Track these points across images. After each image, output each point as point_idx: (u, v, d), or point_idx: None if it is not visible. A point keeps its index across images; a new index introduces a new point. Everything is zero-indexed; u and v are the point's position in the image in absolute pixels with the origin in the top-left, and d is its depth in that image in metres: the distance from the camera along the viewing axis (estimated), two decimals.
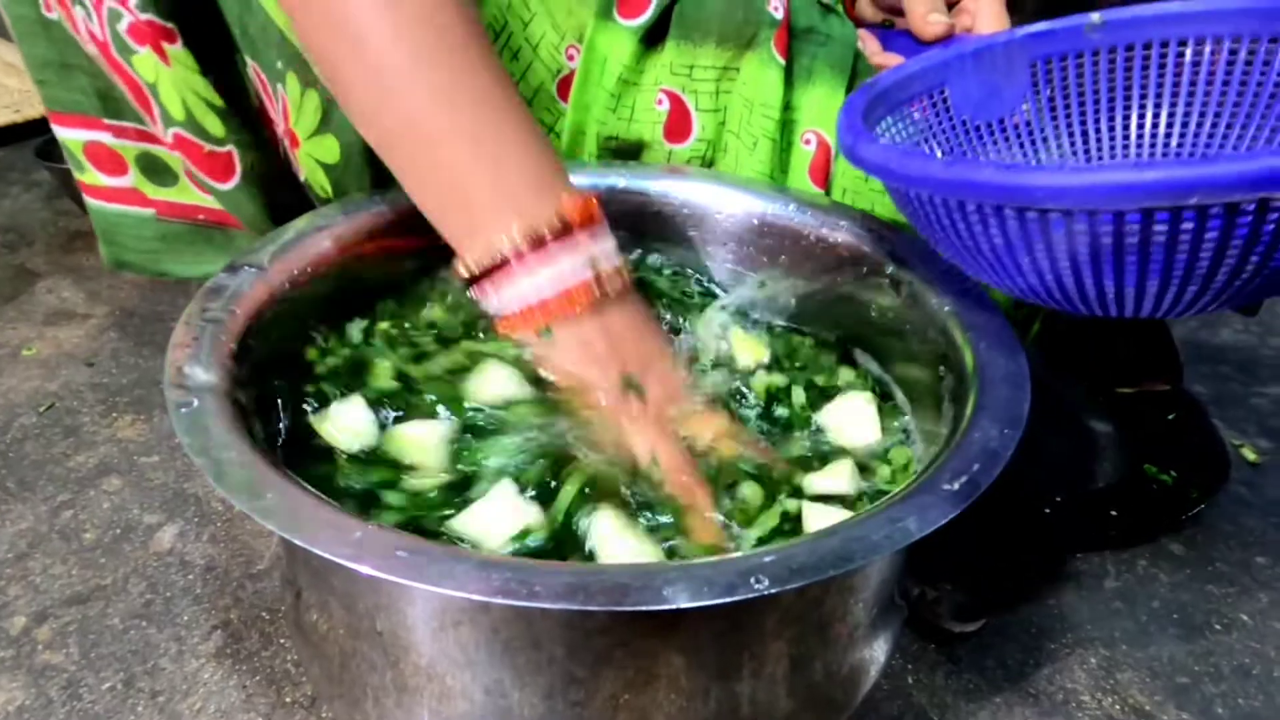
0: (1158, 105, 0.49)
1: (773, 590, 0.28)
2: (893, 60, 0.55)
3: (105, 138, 0.59)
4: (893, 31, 0.60)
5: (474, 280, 0.43)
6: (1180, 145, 0.49)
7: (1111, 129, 0.50)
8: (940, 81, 0.51)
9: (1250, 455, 0.68)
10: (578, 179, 0.55)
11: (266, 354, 0.41)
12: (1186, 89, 0.47)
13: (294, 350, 0.45)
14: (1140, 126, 0.50)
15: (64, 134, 0.60)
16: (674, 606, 0.28)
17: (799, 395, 0.48)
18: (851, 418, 0.46)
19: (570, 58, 0.56)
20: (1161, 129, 0.49)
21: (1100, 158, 0.51)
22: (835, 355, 0.52)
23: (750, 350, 0.51)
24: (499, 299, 0.43)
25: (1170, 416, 0.68)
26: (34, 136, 1.16)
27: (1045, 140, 0.51)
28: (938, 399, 0.45)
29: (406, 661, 0.35)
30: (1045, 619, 0.53)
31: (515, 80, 0.56)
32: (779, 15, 0.55)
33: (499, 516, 0.37)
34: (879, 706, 0.48)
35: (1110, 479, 0.65)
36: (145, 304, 0.82)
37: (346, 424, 0.41)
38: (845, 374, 0.50)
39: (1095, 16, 0.49)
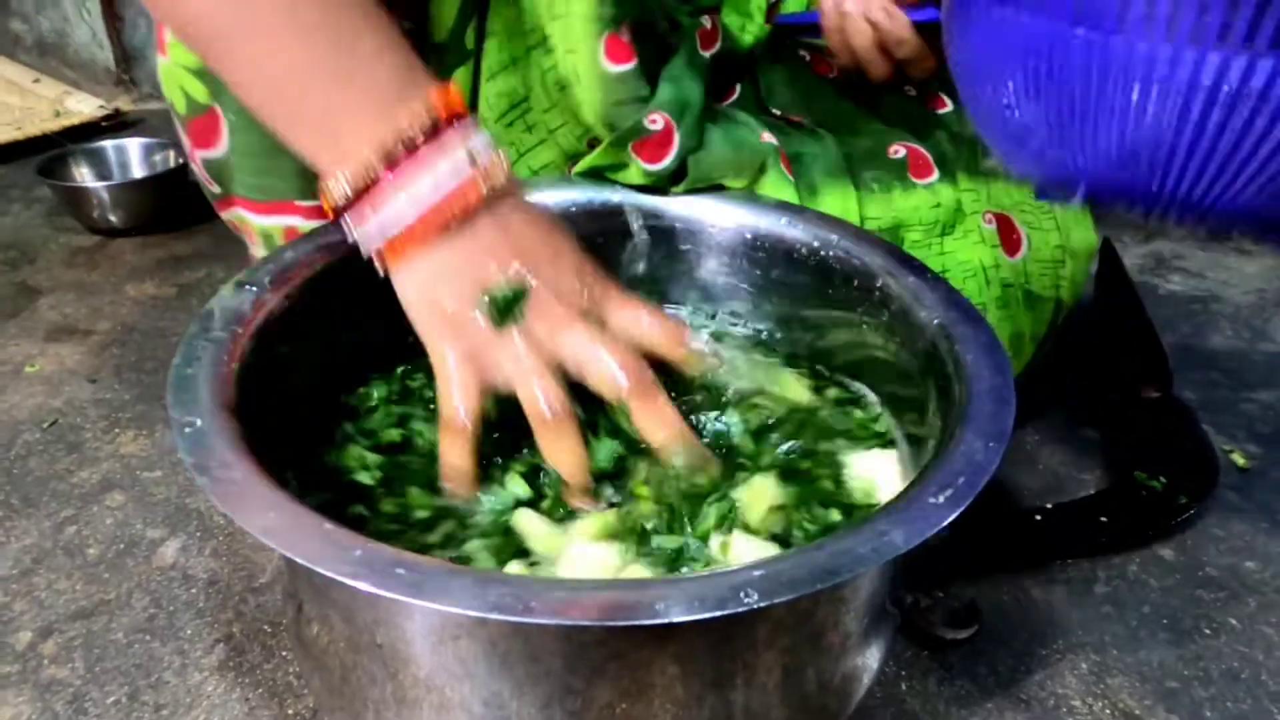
0: None
1: (762, 604, 0.28)
2: None
3: (297, 221, 0.59)
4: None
5: (346, 208, 0.40)
6: None
7: None
8: None
9: (1240, 460, 0.69)
10: (563, 195, 0.56)
11: (269, 374, 0.42)
12: None
13: (296, 371, 0.46)
14: None
15: (260, 221, 0.59)
16: (667, 620, 0.29)
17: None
18: (879, 473, 0.46)
19: (590, 146, 0.57)
20: None
21: None
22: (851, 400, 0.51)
23: (793, 390, 0.51)
24: (379, 223, 0.40)
25: (1160, 423, 0.69)
26: (34, 154, 1.17)
27: None
28: (925, 410, 0.46)
29: (406, 674, 0.36)
30: (1036, 625, 0.54)
31: (521, 154, 0.58)
32: (775, 143, 0.58)
33: None
34: (873, 714, 0.49)
35: (1101, 485, 0.66)
36: (146, 320, 0.82)
37: None
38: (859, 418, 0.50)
39: None
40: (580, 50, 0.54)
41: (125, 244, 0.96)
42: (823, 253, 0.53)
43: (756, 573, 0.30)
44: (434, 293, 0.41)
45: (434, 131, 0.39)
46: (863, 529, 0.32)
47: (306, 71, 0.40)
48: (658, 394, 0.41)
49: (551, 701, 0.35)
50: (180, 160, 1.02)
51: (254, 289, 0.45)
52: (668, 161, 0.55)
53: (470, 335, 0.41)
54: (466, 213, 0.40)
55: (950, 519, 0.32)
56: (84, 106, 1.27)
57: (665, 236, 0.57)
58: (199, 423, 0.35)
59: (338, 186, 0.40)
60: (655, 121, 0.55)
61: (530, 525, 0.40)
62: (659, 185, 0.56)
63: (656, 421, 0.41)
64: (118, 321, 0.82)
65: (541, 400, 0.40)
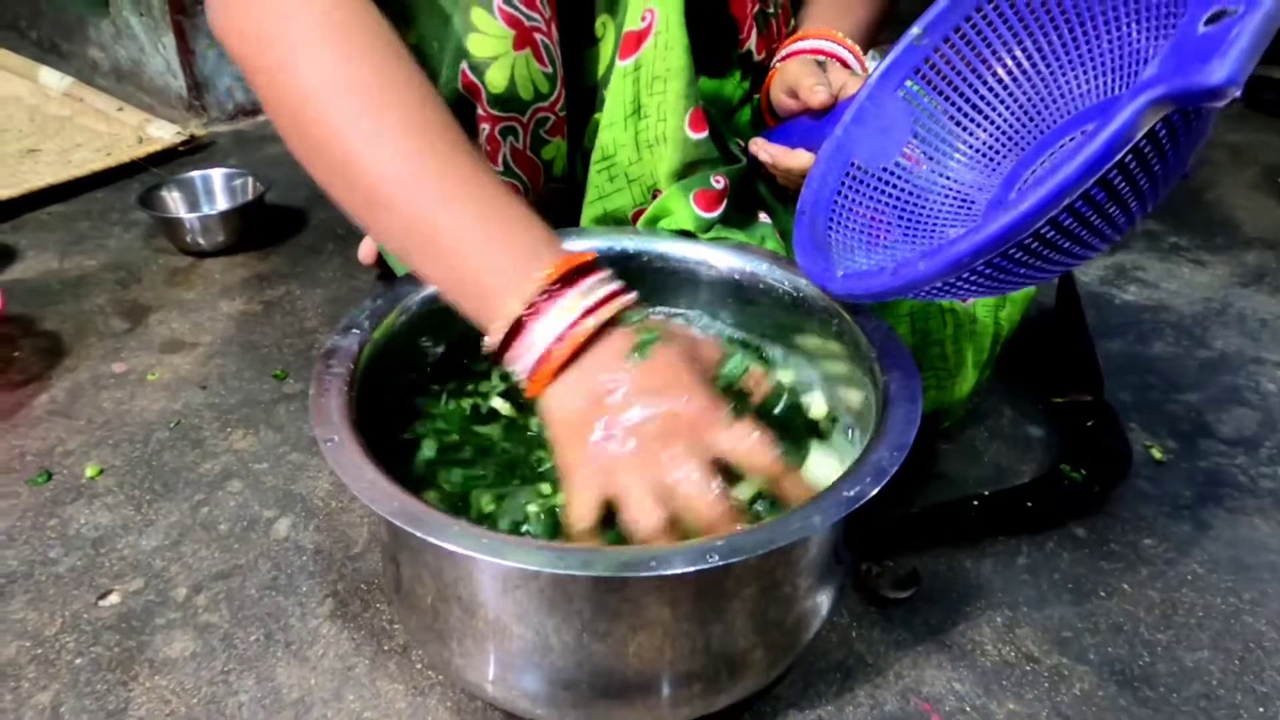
0: (1011, 53, 0.58)
1: (721, 563, 0.43)
2: (796, 158, 0.69)
3: None
4: (792, 121, 0.74)
5: (501, 353, 0.51)
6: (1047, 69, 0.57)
7: (991, 89, 0.60)
8: (846, 160, 0.63)
9: (1157, 454, 0.82)
10: (589, 244, 0.71)
11: (376, 397, 0.57)
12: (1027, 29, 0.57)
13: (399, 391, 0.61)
14: (1010, 74, 0.59)
15: None
16: (658, 574, 0.43)
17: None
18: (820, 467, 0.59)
19: (654, 196, 0.72)
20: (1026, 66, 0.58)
21: (999, 113, 0.60)
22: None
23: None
24: (519, 364, 0.51)
25: (1089, 423, 0.82)
26: (122, 178, 1.33)
27: (953, 131, 0.62)
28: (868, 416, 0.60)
29: (479, 615, 0.51)
30: (964, 588, 0.68)
31: (602, 196, 0.73)
32: (770, 222, 0.74)
33: None
34: (828, 654, 0.63)
35: (1031, 475, 0.79)
36: (241, 333, 0.98)
37: None
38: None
39: (915, 29, 0.61)
40: (670, 119, 0.70)
41: (214, 265, 1.12)
42: (796, 291, 0.67)
43: (719, 542, 0.44)
44: (565, 414, 0.50)
45: (557, 289, 0.49)
46: (796, 514, 0.46)
47: (468, 263, 0.51)
48: (734, 523, 0.48)
49: (582, 634, 0.49)
50: (259, 189, 1.18)
51: (358, 331, 0.60)
52: (717, 214, 0.71)
53: (597, 457, 0.49)
54: (582, 346, 0.49)
55: (855, 508, 0.46)
56: (164, 133, 1.43)
57: (670, 275, 0.72)
58: (336, 438, 0.50)
59: (499, 334, 0.50)
60: (719, 181, 0.71)
61: None
62: (697, 231, 0.70)
63: None
64: (216, 335, 0.98)
65: (641, 524, 0.48)
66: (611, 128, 0.71)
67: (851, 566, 0.66)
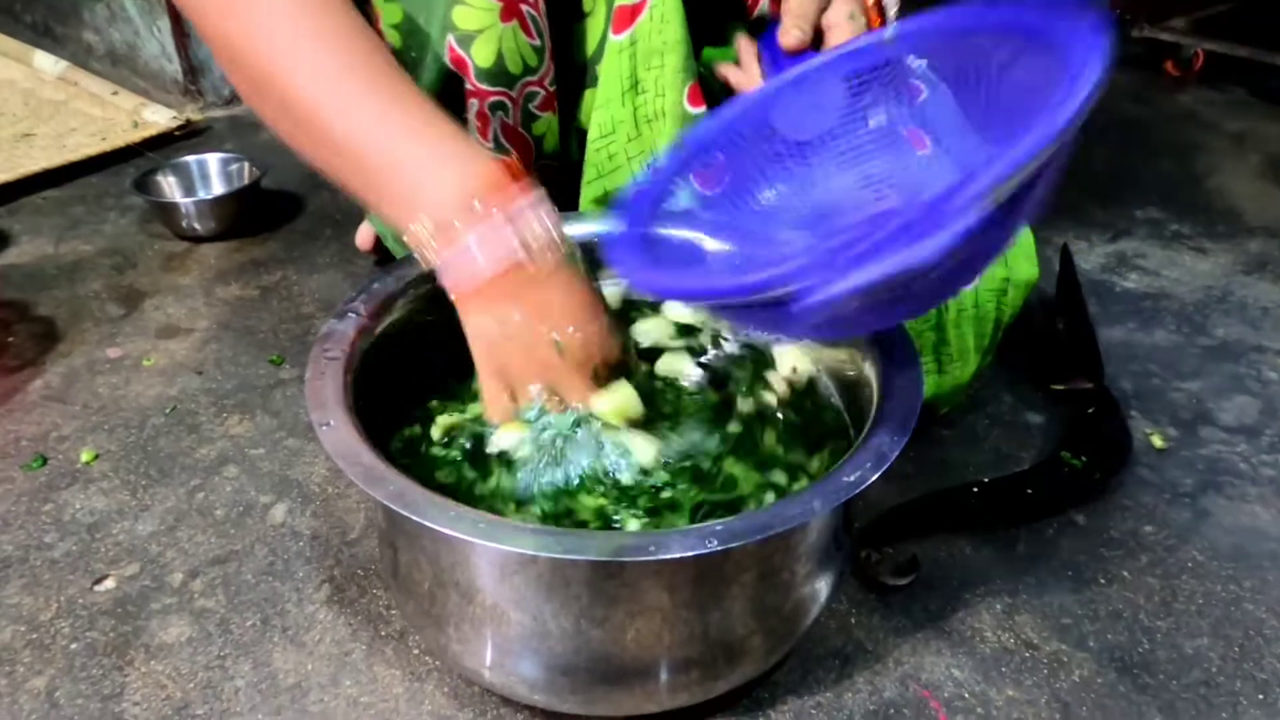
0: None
1: (720, 548, 0.42)
2: (751, 82, 0.68)
3: None
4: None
5: (428, 250, 0.50)
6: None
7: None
8: (763, 116, 0.59)
9: (1158, 442, 0.82)
10: (589, 228, 0.70)
11: (372, 380, 0.56)
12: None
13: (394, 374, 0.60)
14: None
15: None
16: (656, 559, 0.43)
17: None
18: None
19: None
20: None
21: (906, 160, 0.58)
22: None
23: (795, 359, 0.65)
24: (455, 272, 0.50)
25: (1089, 410, 0.82)
26: (117, 163, 1.32)
27: (866, 146, 0.59)
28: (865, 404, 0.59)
29: (476, 600, 0.51)
30: (964, 575, 0.68)
31: (601, 175, 0.73)
32: None
33: None
34: (828, 640, 0.63)
35: (1032, 462, 0.79)
36: (237, 319, 0.97)
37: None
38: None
39: (888, 33, 0.58)
40: (669, 94, 0.69)
41: (209, 250, 1.11)
42: None
43: (718, 527, 0.44)
44: (492, 339, 0.52)
45: (505, 198, 0.48)
46: (797, 498, 0.46)
47: (370, 132, 0.50)
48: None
49: (580, 619, 0.49)
50: (255, 174, 1.17)
51: (354, 315, 0.59)
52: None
53: (514, 376, 0.53)
54: (525, 280, 0.50)
55: (856, 492, 0.46)
56: (159, 117, 1.42)
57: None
58: (332, 422, 0.50)
59: (422, 232, 0.49)
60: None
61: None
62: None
63: None
64: (213, 320, 0.97)
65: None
66: (608, 105, 0.71)
67: (851, 553, 0.66)
